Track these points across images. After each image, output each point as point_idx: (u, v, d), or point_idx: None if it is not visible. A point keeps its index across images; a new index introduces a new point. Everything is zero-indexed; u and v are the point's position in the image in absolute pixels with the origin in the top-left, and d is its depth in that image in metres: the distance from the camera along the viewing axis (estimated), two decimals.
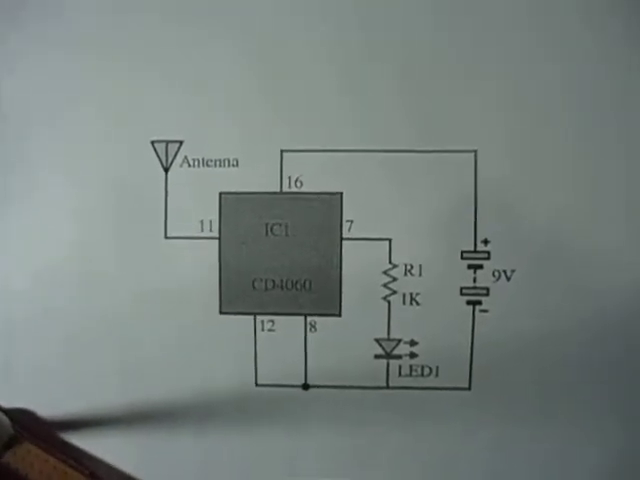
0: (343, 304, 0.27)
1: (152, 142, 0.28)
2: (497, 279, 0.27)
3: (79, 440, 0.29)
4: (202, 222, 0.28)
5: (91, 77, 0.28)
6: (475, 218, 0.27)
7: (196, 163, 0.28)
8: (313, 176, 0.27)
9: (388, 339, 0.27)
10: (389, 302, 0.27)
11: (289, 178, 0.27)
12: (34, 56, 0.28)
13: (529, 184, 0.27)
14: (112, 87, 0.28)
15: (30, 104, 0.28)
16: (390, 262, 0.27)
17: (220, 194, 0.28)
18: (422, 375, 0.27)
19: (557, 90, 0.26)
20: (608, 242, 0.27)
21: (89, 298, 0.28)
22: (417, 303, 0.27)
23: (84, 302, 0.28)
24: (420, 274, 0.27)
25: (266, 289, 0.28)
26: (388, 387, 0.28)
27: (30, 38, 0.28)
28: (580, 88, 0.26)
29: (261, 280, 0.28)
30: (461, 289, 0.27)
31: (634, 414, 0.27)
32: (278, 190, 0.27)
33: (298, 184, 0.27)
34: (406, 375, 0.28)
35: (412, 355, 0.27)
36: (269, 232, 0.27)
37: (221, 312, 0.28)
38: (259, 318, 0.28)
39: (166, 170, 0.28)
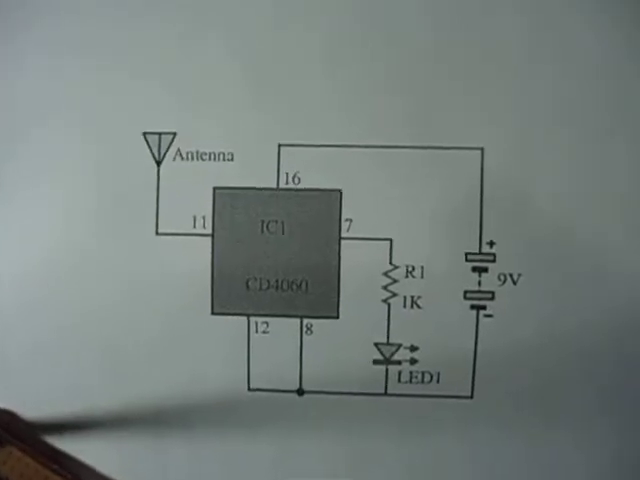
0: (341, 306, 0.27)
1: (144, 134, 0.27)
2: (503, 283, 0.26)
3: (62, 443, 0.28)
4: (195, 218, 0.27)
5: (81, 69, 0.27)
6: (481, 218, 0.26)
7: (189, 156, 0.27)
8: (311, 172, 0.26)
9: (387, 344, 0.27)
10: (389, 305, 0.27)
11: (286, 174, 0.27)
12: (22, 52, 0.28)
13: (538, 183, 0.26)
14: (103, 77, 0.27)
15: (18, 99, 0.28)
16: (391, 263, 0.26)
17: (214, 189, 0.27)
18: (422, 382, 0.27)
19: (567, 86, 0.26)
20: (621, 245, 0.26)
21: (75, 296, 0.27)
22: (418, 306, 0.26)
23: (70, 299, 0.27)
24: (422, 276, 0.26)
25: (261, 289, 0.27)
26: (387, 394, 0.27)
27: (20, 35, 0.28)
28: (590, 85, 0.26)
29: (255, 280, 0.27)
30: (465, 293, 0.26)
31: (635, 419, 0.26)
32: (275, 186, 0.27)
33: (296, 180, 0.27)
34: (406, 382, 0.27)
35: (412, 361, 0.27)
36: (265, 230, 0.27)
37: (213, 312, 0.27)
38: (253, 319, 0.27)
39: (158, 163, 0.27)
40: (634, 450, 0.27)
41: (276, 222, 0.27)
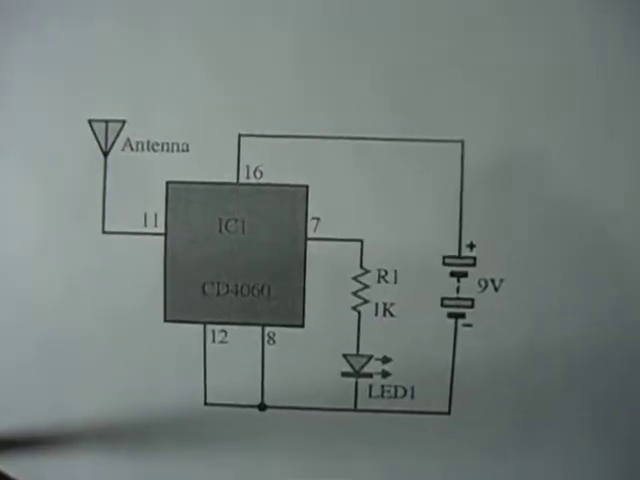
0: (306, 313, 0.26)
1: (89, 121, 0.25)
2: (483, 289, 0.25)
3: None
4: (146, 215, 0.25)
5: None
6: (460, 218, 0.25)
7: (140, 147, 0.25)
8: (275, 165, 0.25)
9: (357, 355, 0.26)
10: (359, 312, 0.25)
11: (247, 167, 0.25)
12: None
13: (522, 180, 0.25)
14: (50, 60, 0.26)
15: None
16: (361, 267, 0.25)
17: (167, 183, 0.25)
18: (395, 397, 0.26)
19: (552, 78, 0.25)
20: (613, 247, 0.25)
21: (13, 300, 0.26)
22: (391, 314, 0.25)
23: (10, 298, 0.26)
24: (395, 281, 0.25)
25: (218, 294, 0.26)
26: (356, 409, 0.26)
27: None
28: (576, 77, 0.25)
29: (213, 284, 0.26)
30: (442, 300, 0.25)
31: (624, 437, 0.26)
32: (234, 181, 0.25)
33: (257, 174, 0.25)
34: (377, 396, 0.26)
35: (384, 374, 0.26)
36: (223, 229, 0.25)
37: (166, 320, 0.26)
38: (210, 327, 0.26)
39: (105, 154, 0.26)
40: (622, 469, 0.26)
41: (236, 220, 0.25)
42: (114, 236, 0.25)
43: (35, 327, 0.26)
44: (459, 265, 0.25)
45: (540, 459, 0.26)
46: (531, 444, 0.26)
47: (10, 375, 0.26)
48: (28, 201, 0.26)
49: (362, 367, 0.26)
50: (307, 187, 0.25)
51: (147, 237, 0.25)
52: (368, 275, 0.25)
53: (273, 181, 0.25)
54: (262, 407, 0.26)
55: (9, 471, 0.25)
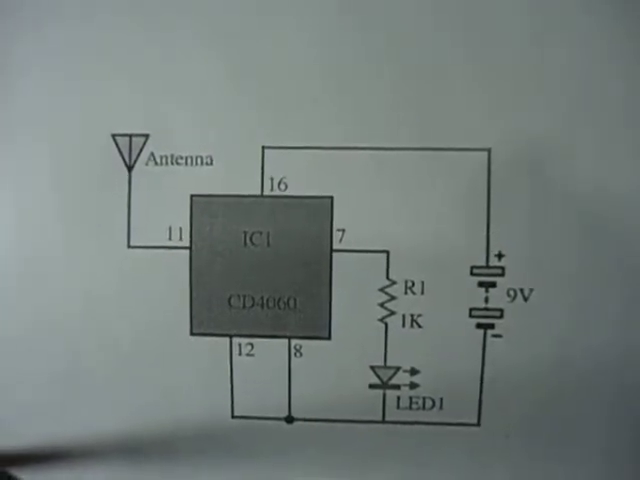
0: (333, 326, 0.25)
1: (113, 136, 0.25)
2: (512, 299, 0.25)
3: (23, 474, 0.26)
4: (170, 229, 0.25)
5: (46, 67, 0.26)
6: (488, 228, 0.25)
7: (164, 161, 0.25)
8: (299, 177, 0.25)
9: (385, 367, 0.25)
10: (386, 324, 0.25)
11: (271, 179, 0.25)
12: None
13: (551, 187, 0.24)
14: (70, 73, 0.26)
15: None
16: (388, 278, 0.25)
17: (191, 197, 0.25)
18: (424, 408, 0.26)
19: (576, 85, 0.24)
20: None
21: (37, 314, 0.26)
22: (419, 325, 0.25)
23: (34, 317, 0.26)
24: (422, 292, 0.25)
25: (244, 307, 0.25)
26: (384, 421, 0.26)
27: None
28: (600, 84, 0.24)
29: (238, 297, 0.25)
30: (470, 310, 0.25)
31: None
32: (259, 193, 0.25)
33: (282, 186, 0.25)
34: (405, 408, 0.26)
35: (412, 385, 0.25)
36: (248, 242, 0.25)
37: (192, 333, 0.26)
38: (236, 340, 0.26)
39: (130, 168, 0.25)
40: None
41: (260, 233, 0.25)
42: (139, 250, 0.25)
43: (60, 341, 0.26)
44: (487, 275, 0.24)
45: (571, 470, 0.25)
46: (560, 455, 0.25)
47: (34, 390, 0.26)
48: (53, 216, 0.25)
49: (390, 379, 0.25)
50: (332, 198, 0.25)
51: (172, 251, 0.25)
52: (395, 286, 0.25)
53: (297, 193, 0.25)
54: (289, 420, 0.26)
55: None
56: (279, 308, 0.25)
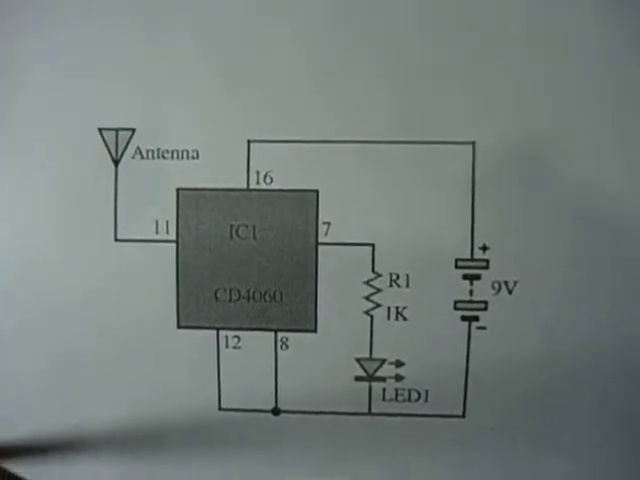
0: (319, 318, 0.25)
1: (100, 130, 0.25)
2: (497, 292, 0.25)
3: (16, 467, 0.27)
4: (157, 223, 0.25)
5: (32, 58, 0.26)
6: (472, 221, 0.25)
7: (150, 155, 0.25)
8: (285, 171, 0.25)
9: (370, 359, 0.25)
10: (372, 317, 0.25)
11: (257, 173, 0.25)
12: None
13: (535, 181, 0.24)
14: (56, 69, 0.26)
15: None
16: (373, 271, 0.25)
17: (178, 190, 0.25)
18: (409, 400, 0.26)
19: (562, 80, 0.24)
20: (627, 248, 0.24)
21: (26, 307, 0.26)
22: (404, 318, 0.25)
23: (23, 310, 0.26)
24: (407, 285, 0.25)
25: (231, 300, 0.26)
26: (370, 413, 0.26)
27: None
28: (586, 78, 0.24)
29: (225, 290, 0.26)
30: (455, 303, 0.25)
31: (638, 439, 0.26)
32: (244, 187, 0.25)
33: (267, 180, 0.25)
34: (391, 400, 0.26)
35: (398, 377, 0.26)
36: (234, 235, 0.25)
37: (179, 326, 0.26)
38: (223, 333, 0.26)
39: (116, 162, 0.26)
40: (637, 470, 0.25)
41: (246, 226, 0.25)
42: (126, 244, 0.25)
43: (49, 334, 0.26)
44: (472, 268, 0.25)
45: (554, 461, 0.25)
46: (545, 447, 0.25)
47: (26, 383, 0.26)
48: (40, 210, 0.26)
49: (375, 371, 0.25)
50: (317, 192, 0.25)
51: (159, 244, 0.25)
52: (380, 279, 0.25)
53: (283, 186, 0.25)
54: (276, 412, 0.26)
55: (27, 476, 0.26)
56: (265, 301, 0.25)
